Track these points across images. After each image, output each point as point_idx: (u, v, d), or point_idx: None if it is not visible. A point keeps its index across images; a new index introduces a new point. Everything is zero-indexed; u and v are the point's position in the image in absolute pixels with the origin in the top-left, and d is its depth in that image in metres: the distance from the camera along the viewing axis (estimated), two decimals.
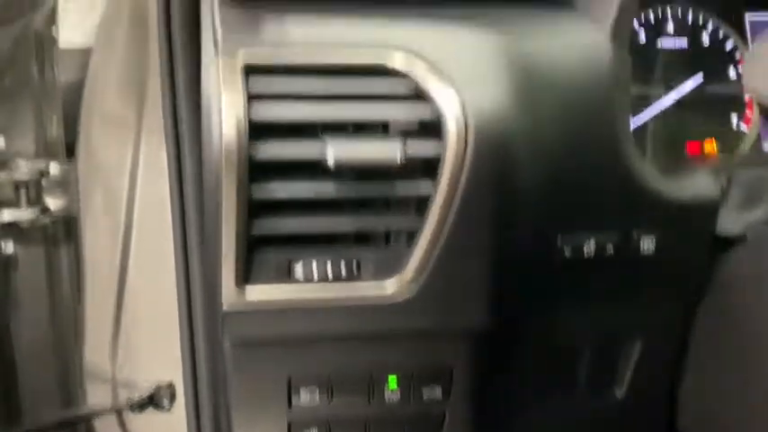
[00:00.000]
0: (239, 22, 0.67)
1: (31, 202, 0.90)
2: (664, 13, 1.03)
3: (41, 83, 0.97)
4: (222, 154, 0.62)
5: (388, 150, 0.64)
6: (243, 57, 0.65)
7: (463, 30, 0.72)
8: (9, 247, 0.94)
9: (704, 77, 1.02)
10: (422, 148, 0.67)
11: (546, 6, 0.80)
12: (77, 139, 0.97)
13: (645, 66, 1.00)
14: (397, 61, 0.67)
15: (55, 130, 0.97)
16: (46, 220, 0.93)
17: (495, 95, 0.69)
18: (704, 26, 1.04)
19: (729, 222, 0.81)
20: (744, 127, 1.02)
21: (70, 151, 0.97)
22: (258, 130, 0.64)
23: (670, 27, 1.03)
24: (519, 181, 0.71)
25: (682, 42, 1.03)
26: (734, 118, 1.02)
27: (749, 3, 1.07)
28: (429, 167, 0.68)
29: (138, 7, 0.84)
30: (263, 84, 0.65)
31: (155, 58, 0.78)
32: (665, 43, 1.02)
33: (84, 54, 0.97)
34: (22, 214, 0.90)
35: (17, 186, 0.90)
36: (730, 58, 1.04)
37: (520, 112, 0.70)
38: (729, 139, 1.02)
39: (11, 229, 0.92)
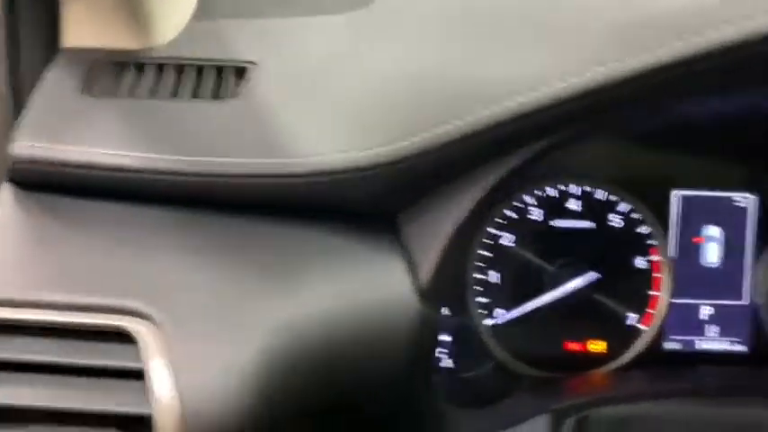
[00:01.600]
0: None
1: None
2: (567, 189, 0.90)
3: None
4: None
5: None
6: None
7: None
8: None
9: (605, 267, 0.90)
10: None
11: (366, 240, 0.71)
12: None
13: (537, 247, 0.89)
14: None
15: None
16: None
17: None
18: (614, 206, 0.90)
19: None
20: (641, 326, 0.91)
21: None
22: None
23: (573, 205, 0.90)
24: None
25: (584, 224, 0.90)
26: (629, 315, 0.91)
27: (682, 181, 0.92)
28: None
29: None
30: None
31: None
32: (563, 224, 0.90)
33: None
34: None
35: None
36: (640, 245, 0.90)
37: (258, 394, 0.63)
38: (622, 338, 0.91)
39: None
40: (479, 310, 0.89)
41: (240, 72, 0.75)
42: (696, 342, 0.93)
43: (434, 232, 0.71)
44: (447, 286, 0.71)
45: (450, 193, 0.72)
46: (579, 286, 0.88)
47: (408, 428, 0.76)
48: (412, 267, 0.69)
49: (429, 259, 0.69)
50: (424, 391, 0.75)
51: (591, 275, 0.88)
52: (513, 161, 0.72)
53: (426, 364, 0.73)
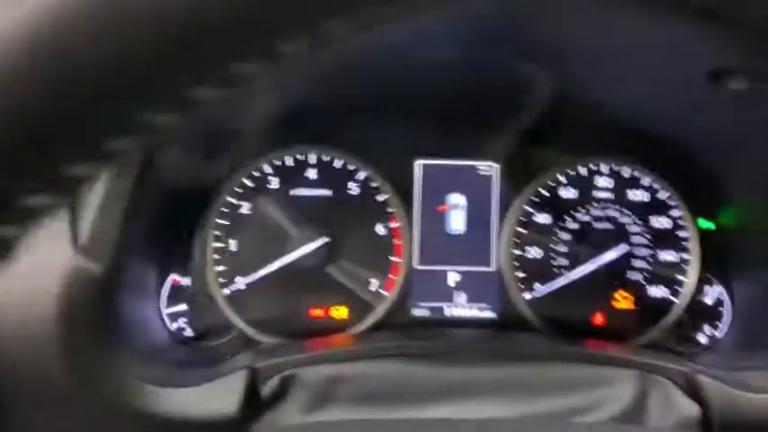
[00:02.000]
0: None
1: None
2: (306, 158, 0.91)
3: None
4: None
5: None
6: None
7: None
8: None
9: (345, 234, 0.91)
10: None
11: None
12: None
13: (276, 215, 0.90)
14: None
15: None
16: None
17: None
18: (353, 175, 0.92)
19: None
20: (384, 292, 0.92)
21: None
22: None
23: (311, 174, 0.92)
24: None
25: (322, 192, 0.92)
26: (373, 281, 0.92)
27: (425, 150, 0.94)
28: None
29: None
30: None
31: None
32: (304, 192, 0.91)
33: None
34: None
35: None
36: (380, 212, 0.92)
37: None
38: (365, 304, 0.92)
39: None
40: (219, 279, 0.90)
41: None
42: (445, 309, 0.94)
43: (96, 193, 0.71)
44: (108, 246, 0.71)
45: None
46: (319, 253, 0.89)
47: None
48: (72, 225, 0.69)
49: (87, 219, 0.69)
50: (98, 352, 0.73)
51: (329, 242, 0.90)
52: None
53: (92, 322, 0.71)
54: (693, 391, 0.75)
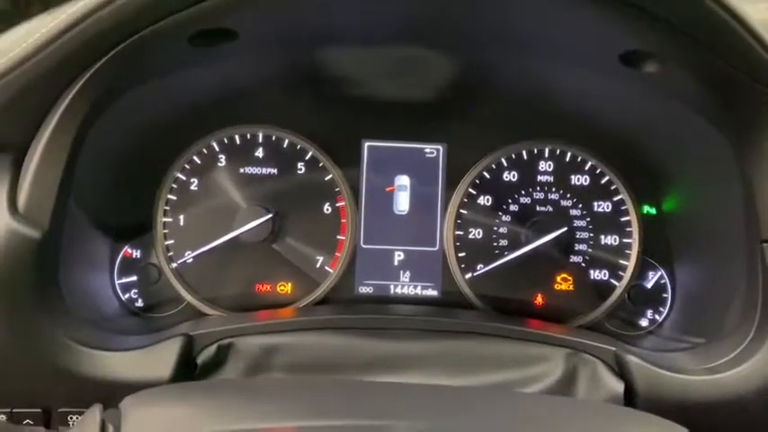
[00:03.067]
0: None
1: None
2: (254, 136, 0.94)
3: None
4: None
5: None
6: None
7: None
8: None
9: (293, 212, 0.94)
10: None
11: None
12: None
13: (217, 194, 0.94)
14: None
15: None
16: None
17: None
18: (301, 155, 0.95)
19: None
20: (329, 269, 0.95)
21: None
22: None
23: (259, 152, 0.94)
24: None
25: (269, 170, 0.94)
26: (318, 258, 0.95)
27: (369, 132, 0.96)
28: None
29: None
30: None
31: None
32: (251, 170, 0.94)
33: None
34: None
35: None
36: (327, 192, 0.95)
37: None
38: (310, 280, 0.95)
39: None
40: (168, 253, 0.93)
41: None
42: (391, 287, 0.97)
43: (34, 160, 0.74)
44: (46, 213, 0.74)
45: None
46: (265, 229, 0.92)
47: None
48: (11, 191, 0.73)
49: (25, 185, 0.73)
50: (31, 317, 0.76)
51: (275, 219, 0.93)
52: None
53: (31, 285, 0.75)
54: (620, 370, 0.77)
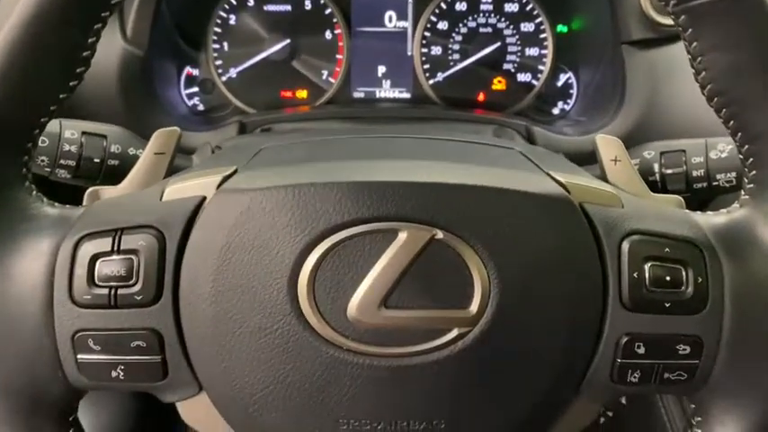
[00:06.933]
0: None
1: None
2: None
3: None
4: None
5: None
6: None
7: None
8: None
9: (297, 39, 1.31)
10: None
11: None
12: None
13: (249, 26, 1.30)
14: None
15: None
16: None
17: None
18: None
19: None
20: (332, 80, 1.34)
21: None
22: None
23: None
24: None
25: (285, 7, 1.30)
26: (324, 72, 1.33)
27: None
28: None
29: None
30: None
31: None
32: (272, 7, 1.30)
33: None
34: None
35: None
36: (328, 22, 1.31)
37: None
38: (319, 88, 1.34)
39: None
40: (218, 70, 1.32)
41: None
42: (377, 92, 1.36)
43: None
44: (145, 38, 1.12)
45: None
46: (285, 51, 1.30)
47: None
48: (120, 22, 1.10)
49: (129, 16, 1.10)
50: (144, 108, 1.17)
51: (291, 43, 1.30)
52: None
53: (140, 93, 1.15)
54: (528, 136, 1.18)
